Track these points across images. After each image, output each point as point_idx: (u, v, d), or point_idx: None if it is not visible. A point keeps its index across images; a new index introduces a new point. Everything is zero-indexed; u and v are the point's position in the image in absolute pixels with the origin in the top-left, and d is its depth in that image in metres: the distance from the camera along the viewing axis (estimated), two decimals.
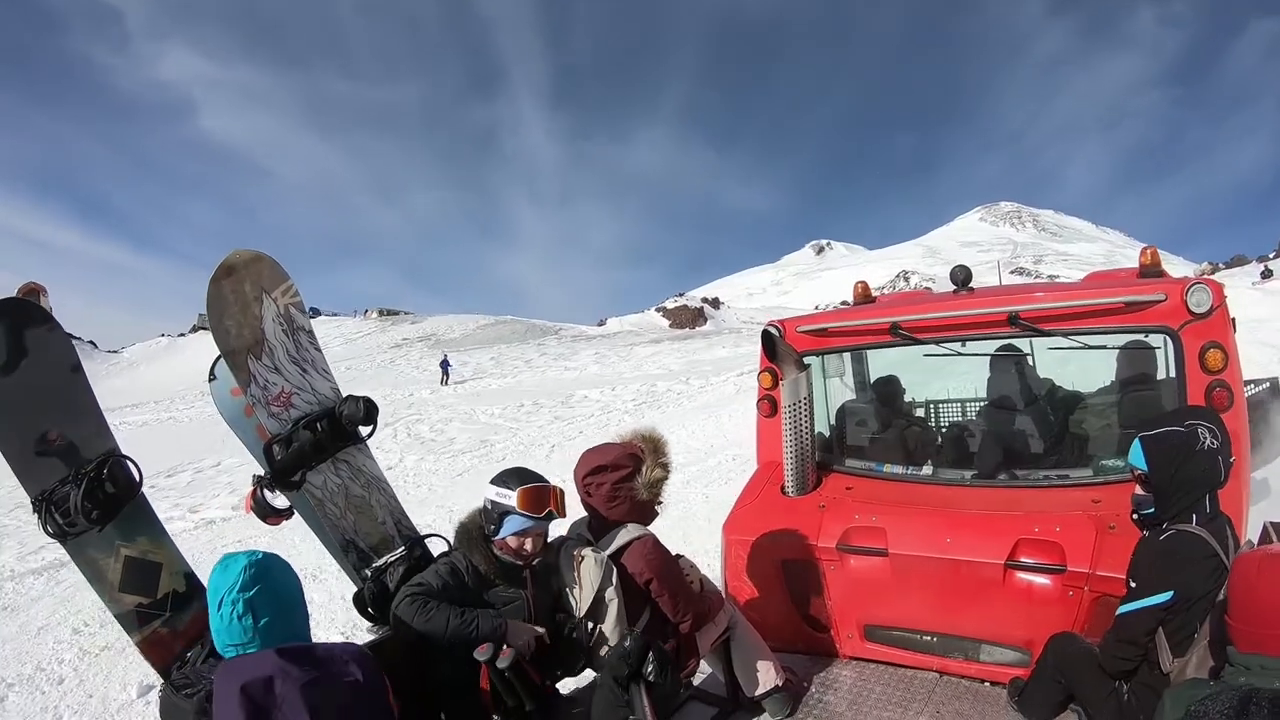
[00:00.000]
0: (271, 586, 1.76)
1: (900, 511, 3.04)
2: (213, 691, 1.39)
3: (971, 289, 3.38)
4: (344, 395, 2.71)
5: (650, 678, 2.08)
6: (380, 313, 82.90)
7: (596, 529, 2.78)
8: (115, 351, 68.98)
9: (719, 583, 3.23)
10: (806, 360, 3.33)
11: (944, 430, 3.91)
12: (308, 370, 2.66)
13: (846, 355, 3.90)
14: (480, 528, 2.54)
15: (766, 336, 3.36)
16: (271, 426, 2.58)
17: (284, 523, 2.68)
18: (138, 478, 2.40)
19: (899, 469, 3.35)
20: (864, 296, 3.84)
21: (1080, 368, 3.67)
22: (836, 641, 3.16)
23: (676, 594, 2.72)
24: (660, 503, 2.84)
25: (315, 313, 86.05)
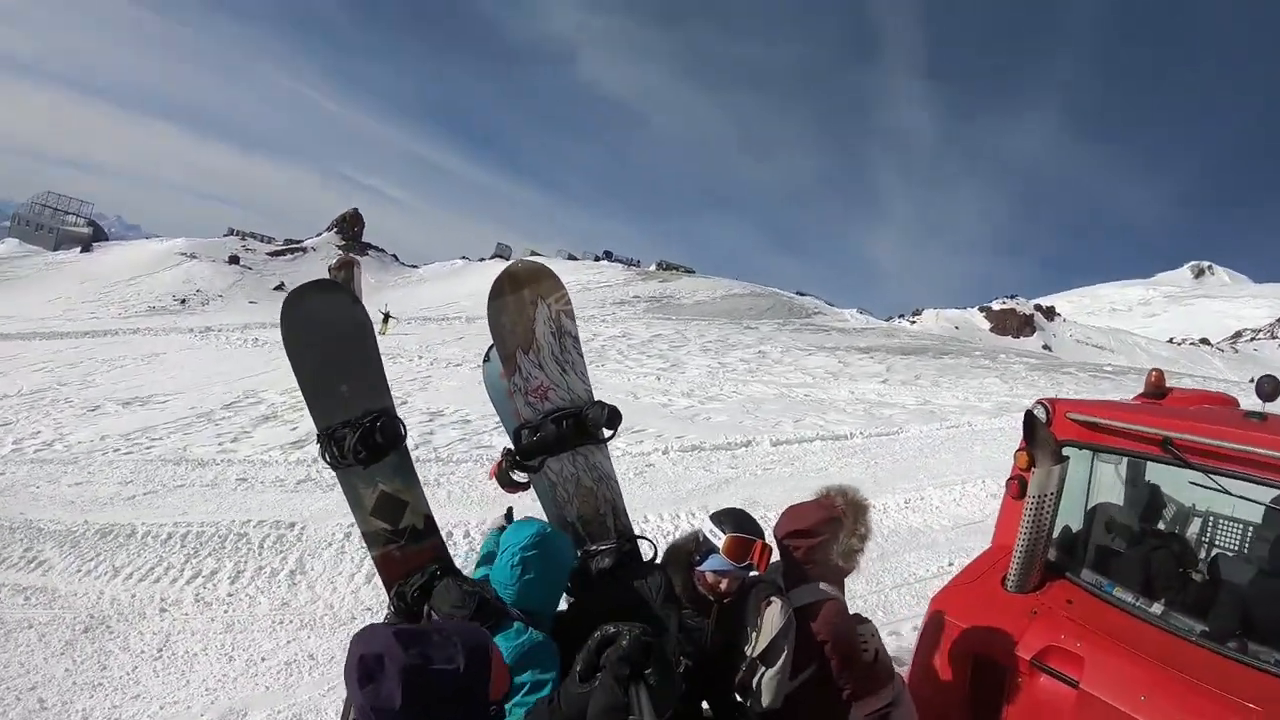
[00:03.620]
0: (546, 555, 2.28)
1: (1107, 646, 2.75)
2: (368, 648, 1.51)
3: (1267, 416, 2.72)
4: (593, 399, 2.81)
5: (651, 681, 2.04)
6: (658, 265, 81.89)
7: (789, 579, 2.82)
8: (414, 266, 73.20)
9: (905, 646, 3.18)
10: (1066, 452, 2.95)
11: (1204, 559, 3.37)
12: (567, 371, 2.77)
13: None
14: (689, 553, 2.66)
15: (1030, 417, 2.99)
16: (526, 413, 2.77)
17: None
18: (403, 433, 2.72)
19: (1129, 597, 2.99)
20: (1156, 388, 3.21)
21: None
22: None
23: (845, 664, 2.75)
24: (857, 568, 2.80)
25: (608, 255, 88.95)
